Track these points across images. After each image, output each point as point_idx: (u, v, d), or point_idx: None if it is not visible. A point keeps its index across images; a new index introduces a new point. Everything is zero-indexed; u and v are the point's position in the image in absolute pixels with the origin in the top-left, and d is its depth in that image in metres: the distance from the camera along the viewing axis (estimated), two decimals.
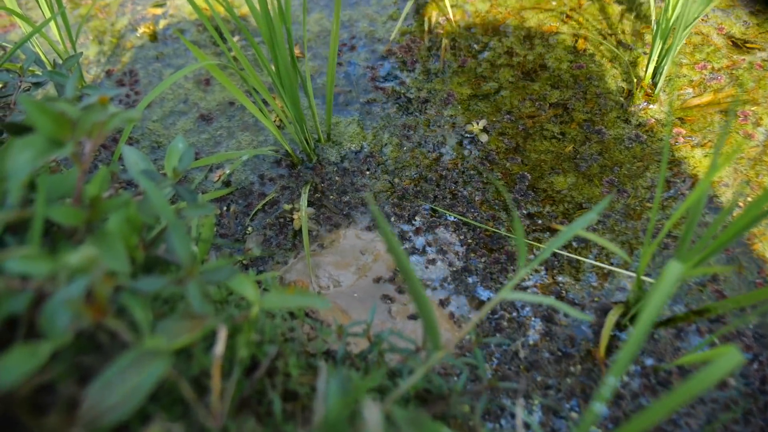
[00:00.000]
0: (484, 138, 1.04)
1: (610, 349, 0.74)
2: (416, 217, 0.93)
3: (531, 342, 0.76)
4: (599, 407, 0.40)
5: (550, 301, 0.49)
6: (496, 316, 0.80)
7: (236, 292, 0.45)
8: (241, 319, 0.45)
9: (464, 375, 0.51)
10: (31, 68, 0.85)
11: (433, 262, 0.87)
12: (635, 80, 1.08)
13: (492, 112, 1.09)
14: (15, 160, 0.36)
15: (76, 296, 0.33)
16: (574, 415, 0.69)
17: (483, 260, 0.87)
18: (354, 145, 1.05)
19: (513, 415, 0.70)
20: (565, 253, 0.86)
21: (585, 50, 1.18)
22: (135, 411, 0.33)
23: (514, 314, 0.80)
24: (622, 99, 1.08)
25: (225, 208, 0.97)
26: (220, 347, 0.37)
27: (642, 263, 0.70)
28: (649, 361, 0.73)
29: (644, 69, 1.10)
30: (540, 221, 0.90)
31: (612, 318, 0.72)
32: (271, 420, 0.41)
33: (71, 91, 0.54)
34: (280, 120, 1.02)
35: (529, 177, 0.97)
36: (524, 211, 0.92)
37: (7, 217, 0.37)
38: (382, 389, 0.49)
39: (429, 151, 1.04)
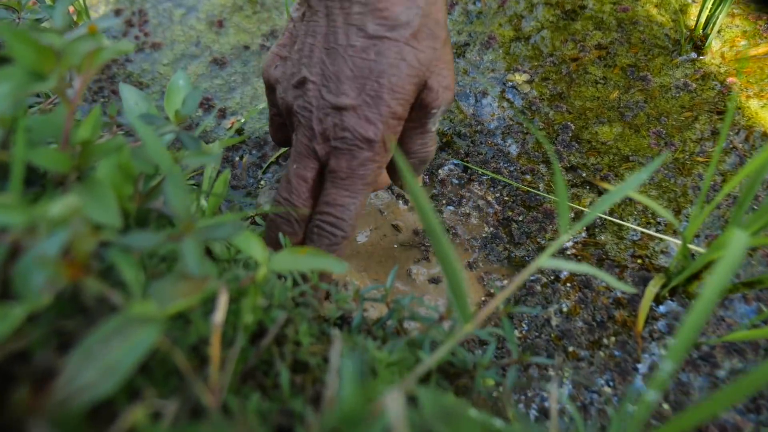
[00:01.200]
0: (526, 88, 0.96)
1: (648, 322, 0.69)
2: (444, 174, 0.87)
3: (565, 309, 0.72)
4: (654, 396, 0.35)
5: (591, 270, 0.44)
6: (531, 279, 0.75)
7: (243, 251, 0.40)
8: (247, 281, 0.41)
9: (491, 347, 0.47)
10: (29, 4, 0.80)
11: (467, 216, 0.82)
12: (684, 29, 0.98)
13: (534, 56, 1.01)
14: None
15: (52, 252, 0.29)
16: (607, 389, 0.65)
17: (520, 218, 0.81)
18: None
19: (542, 388, 0.66)
20: (606, 216, 0.80)
21: None
22: (120, 385, 0.29)
23: (552, 277, 0.75)
24: (669, 45, 0.98)
25: (238, 158, 0.93)
26: (220, 314, 0.33)
27: (690, 229, 0.63)
28: None
29: (695, 18, 1.00)
30: (584, 174, 0.84)
31: (652, 290, 0.66)
32: (278, 393, 0.37)
33: (60, 20, 0.49)
34: None
35: (573, 127, 0.89)
36: (567, 164, 0.85)
37: None
38: (401, 362, 0.45)
39: (467, 105, 0.96)
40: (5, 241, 0.31)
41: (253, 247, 0.41)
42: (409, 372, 0.46)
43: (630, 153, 0.85)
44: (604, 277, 0.44)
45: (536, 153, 0.88)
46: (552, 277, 0.75)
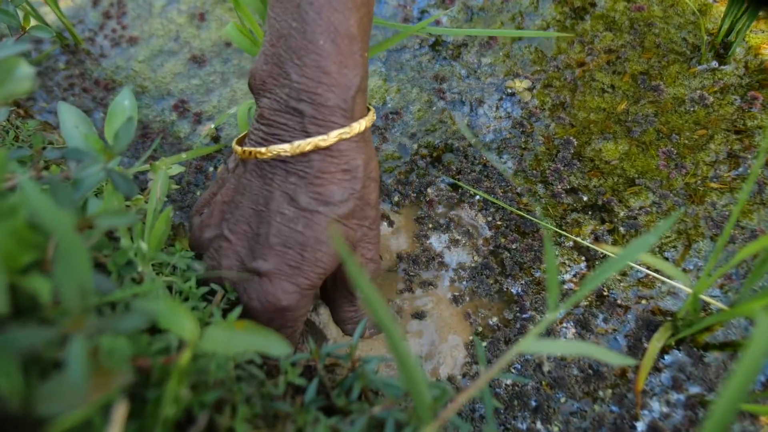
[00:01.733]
0: (527, 97, 0.89)
1: (650, 372, 0.63)
2: (431, 192, 0.81)
3: (559, 354, 0.65)
4: None
5: (586, 350, 0.37)
6: (524, 317, 0.69)
7: (164, 326, 0.34)
8: (171, 360, 0.35)
9: (466, 431, 0.41)
10: None
11: (455, 243, 0.76)
12: (705, 36, 0.89)
13: (537, 60, 0.93)
14: None
15: None
16: None
17: (514, 246, 0.74)
18: (375, 101, 0.91)
19: None
20: (607, 251, 0.73)
21: None
22: None
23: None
24: (687, 51, 0.90)
25: (212, 168, 0.86)
26: None
27: (702, 284, 0.56)
28: (695, 389, 0.61)
29: (716, 20, 0.91)
30: (585, 197, 0.77)
31: (656, 345, 0.59)
32: None
33: None
34: None
35: (575, 142, 0.82)
36: (566, 186, 0.78)
37: None
38: None
39: (461, 115, 0.89)
40: None
41: (180, 322, 0.35)
42: None
43: (636, 175, 0.77)
44: (601, 357, 0.38)
45: (534, 171, 0.81)
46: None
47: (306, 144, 0.50)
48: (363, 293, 0.28)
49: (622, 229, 0.74)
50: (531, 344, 0.36)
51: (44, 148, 0.46)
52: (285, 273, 0.53)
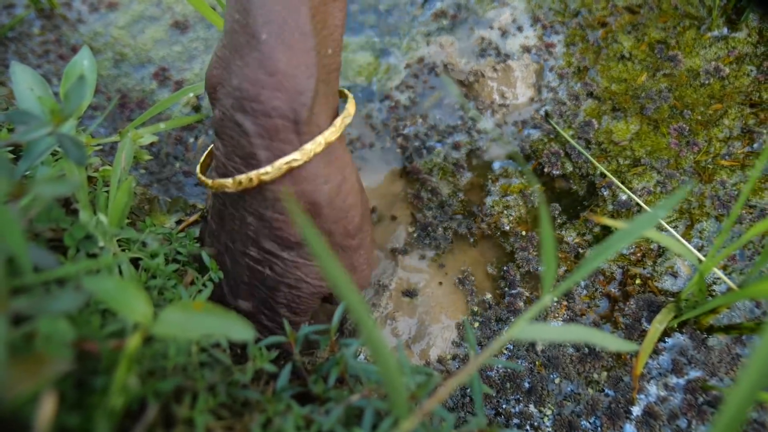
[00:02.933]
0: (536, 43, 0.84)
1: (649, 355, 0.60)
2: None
3: (553, 339, 0.62)
4: None
5: (583, 335, 0.34)
6: (512, 293, 0.66)
7: (112, 307, 0.31)
8: (120, 345, 0.32)
9: (451, 421, 0.38)
10: None
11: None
12: (718, 0, 0.84)
13: (560, 11, 0.88)
14: None
15: None
16: None
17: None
18: (361, 79, 0.87)
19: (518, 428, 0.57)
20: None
21: None
22: None
23: (536, 294, 0.65)
24: (703, 15, 0.85)
25: (192, 139, 0.82)
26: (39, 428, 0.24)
27: (708, 264, 0.53)
28: (696, 373, 0.58)
29: None
30: (575, 187, 0.73)
31: (658, 327, 0.56)
32: None
33: None
34: None
35: (595, 125, 0.77)
36: (558, 171, 0.74)
37: None
38: None
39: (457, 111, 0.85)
40: None
41: (130, 303, 0.32)
42: None
43: (643, 154, 0.73)
44: (600, 342, 0.35)
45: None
46: (536, 294, 0.65)
47: (246, 179, 0.42)
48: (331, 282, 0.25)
49: (622, 198, 0.70)
50: (522, 330, 0.33)
51: None
52: (264, 314, 0.50)
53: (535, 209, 0.72)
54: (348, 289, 0.25)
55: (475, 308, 0.66)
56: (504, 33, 0.88)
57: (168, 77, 0.89)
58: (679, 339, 0.60)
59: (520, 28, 0.89)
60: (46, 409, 0.23)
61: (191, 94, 0.83)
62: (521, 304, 0.65)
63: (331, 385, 0.41)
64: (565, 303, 0.65)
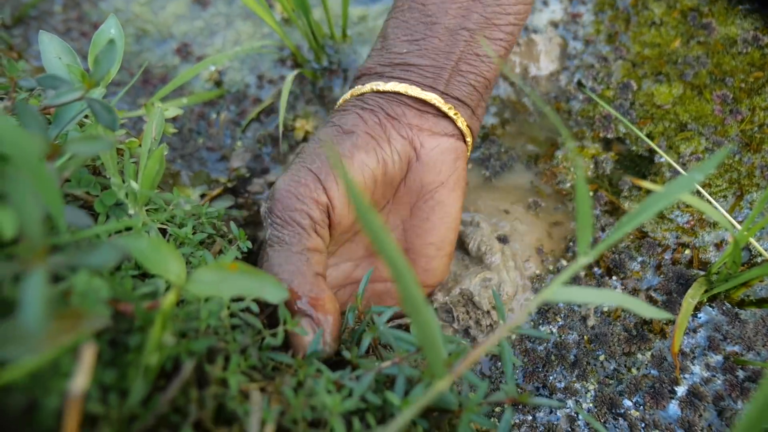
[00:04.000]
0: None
1: (686, 334, 0.59)
2: None
3: (606, 308, 0.63)
4: None
5: (617, 299, 0.34)
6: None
7: (147, 268, 0.32)
8: (156, 306, 0.33)
9: (482, 389, 0.38)
10: None
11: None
12: None
13: None
14: None
15: None
16: (634, 413, 0.56)
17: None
18: None
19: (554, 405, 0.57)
20: (648, 186, 0.69)
21: None
22: None
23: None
24: None
25: (214, 115, 0.83)
26: (80, 381, 0.25)
27: (745, 231, 0.51)
28: (732, 348, 0.58)
29: None
30: (634, 148, 0.72)
31: (690, 302, 0.56)
32: None
33: None
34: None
35: (634, 86, 0.76)
36: (612, 135, 0.73)
37: None
38: (367, 406, 0.37)
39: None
40: None
41: (164, 260, 0.33)
42: (375, 413, 0.38)
43: (689, 119, 0.72)
44: (633, 306, 0.35)
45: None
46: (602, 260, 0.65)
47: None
48: (370, 232, 0.25)
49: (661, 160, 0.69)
50: (555, 292, 0.33)
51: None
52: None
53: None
54: (388, 243, 0.25)
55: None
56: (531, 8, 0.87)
57: (190, 52, 0.90)
58: (712, 314, 0.59)
59: (545, 2, 0.87)
60: (86, 358, 0.24)
61: (212, 68, 0.83)
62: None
63: (363, 352, 0.42)
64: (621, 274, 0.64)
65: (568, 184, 0.72)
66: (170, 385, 0.30)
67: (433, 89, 0.55)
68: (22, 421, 0.27)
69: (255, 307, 0.39)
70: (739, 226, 0.52)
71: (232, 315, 0.39)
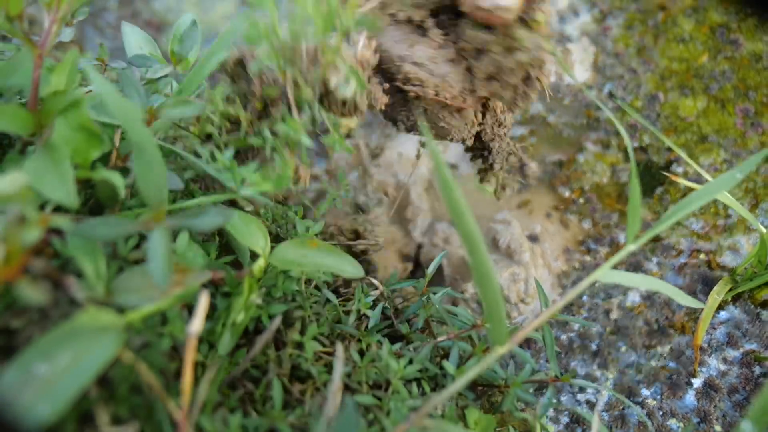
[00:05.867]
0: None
1: (707, 331, 0.61)
2: None
3: (629, 304, 0.65)
4: None
5: (658, 285, 0.36)
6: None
7: (237, 239, 0.34)
8: (243, 275, 0.35)
9: (528, 367, 0.40)
10: None
11: None
12: None
13: None
14: None
15: None
16: (651, 402, 0.58)
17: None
18: None
19: (579, 390, 0.59)
20: (686, 183, 0.71)
21: None
22: (66, 409, 0.24)
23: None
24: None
25: None
26: (197, 322, 0.27)
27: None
28: (750, 346, 0.59)
29: None
30: (655, 158, 0.74)
31: (716, 298, 0.58)
32: (269, 408, 0.32)
33: None
34: None
35: (661, 98, 0.78)
36: (636, 143, 0.76)
37: None
38: (423, 369, 0.39)
39: None
40: None
41: (252, 234, 0.35)
42: (430, 381, 0.41)
43: (711, 132, 0.74)
44: (669, 292, 0.37)
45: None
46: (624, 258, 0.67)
47: None
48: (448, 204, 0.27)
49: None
50: (606, 274, 0.35)
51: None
52: None
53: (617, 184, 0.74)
54: (465, 216, 0.27)
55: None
56: (562, 17, 0.89)
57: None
58: (734, 313, 0.61)
59: (576, 12, 0.90)
60: (202, 305, 0.27)
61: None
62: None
63: (418, 328, 0.44)
64: None
65: (587, 186, 0.74)
66: (256, 341, 0.33)
67: None
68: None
69: (328, 278, 0.41)
70: (764, 229, 0.54)
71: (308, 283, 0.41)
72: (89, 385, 0.24)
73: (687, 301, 0.38)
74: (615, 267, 0.66)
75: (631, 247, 0.35)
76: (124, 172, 0.35)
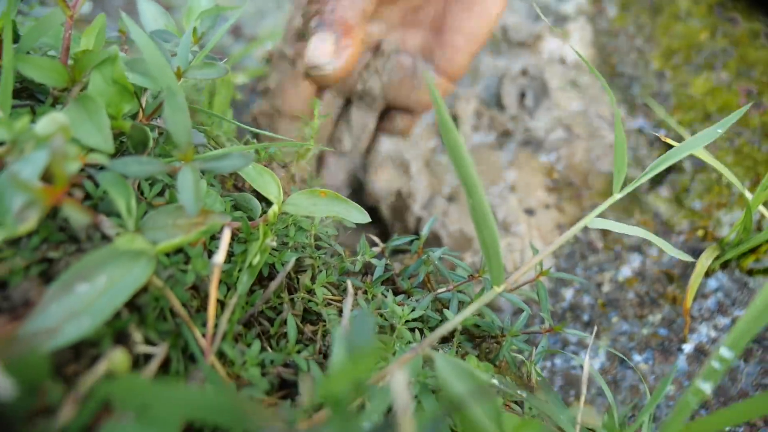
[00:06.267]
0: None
1: (696, 298, 0.64)
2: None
3: (620, 278, 0.67)
4: (706, 387, 0.30)
5: (644, 233, 0.39)
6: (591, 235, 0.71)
7: (253, 186, 0.37)
8: (257, 223, 0.37)
9: (524, 315, 0.43)
10: None
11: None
12: None
13: None
14: None
15: (31, 173, 0.26)
16: (643, 366, 0.60)
17: None
18: None
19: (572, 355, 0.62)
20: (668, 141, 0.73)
21: None
22: (102, 326, 0.26)
23: (619, 234, 0.69)
24: None
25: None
26: (221, 255, 0.30)
27: (759, 197, 0.56)
28: (739, 313, 0.62)
29: None
30: (661, 131, 0.77)
31: (704, 262, 0.60)
32: (283, 345, 0.34)
33: None
34: None
35: (668, 75, 0.81)
36: (639, 122, 0.78)
37: None
38: (423, 319, 0.42)
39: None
40: None
41: (266, 183, 0.38)
42: (431, 331, 0.43)
43: (715, 110, 0.76)
44: (658, 242, 0.39)
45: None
46: (619, 235, 0.69)
47: None
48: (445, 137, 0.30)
49: (686, 163, 0.73)
50: (593, 221, 0.37)
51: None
52: None
53: None
54: (464, 158, 0.29)
55: None
56: None
57: (242, 33, 0.95)
58: (722, 280, 0.64)
59: None
60: (225, 239, 0.29)
61: (269, 47, 0.89)
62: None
63: (417, 284, 0.46)
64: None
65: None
66: (273, 281, 0.35)
67: None
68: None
69: (333, 231, 0.43)
70: (750, 195, 0.56)
71: (317, 238, 0.44)
72: (126, 303, 0.27)
73: (674, 252, 0.40)
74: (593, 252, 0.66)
75: (617, 196, 0.38)
76: (150, 128, 0.38)
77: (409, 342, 0.38)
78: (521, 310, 0.64)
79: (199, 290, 0.34)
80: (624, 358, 0.52)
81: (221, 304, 0.34)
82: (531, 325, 0.65)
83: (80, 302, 0.25)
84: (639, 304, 0.64)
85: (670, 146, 0.41)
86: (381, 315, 0.39)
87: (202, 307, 0.34)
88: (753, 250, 0.63)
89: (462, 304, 0.44)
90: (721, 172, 0.52)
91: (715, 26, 0.83)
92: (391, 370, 0.29)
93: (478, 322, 0.43)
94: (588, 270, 0.69)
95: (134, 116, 0.37)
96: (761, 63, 0.78)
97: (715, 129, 0.38)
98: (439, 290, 0.43)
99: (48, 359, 0.21)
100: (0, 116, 0.31)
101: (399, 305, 0.43)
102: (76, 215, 0.25)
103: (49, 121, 0.28)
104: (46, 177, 0.26)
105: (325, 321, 0.37)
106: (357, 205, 0.38)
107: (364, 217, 0.37)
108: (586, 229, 0.73)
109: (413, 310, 0.40)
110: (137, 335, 0.27)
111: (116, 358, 0.24)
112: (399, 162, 0.76)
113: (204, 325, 0.31)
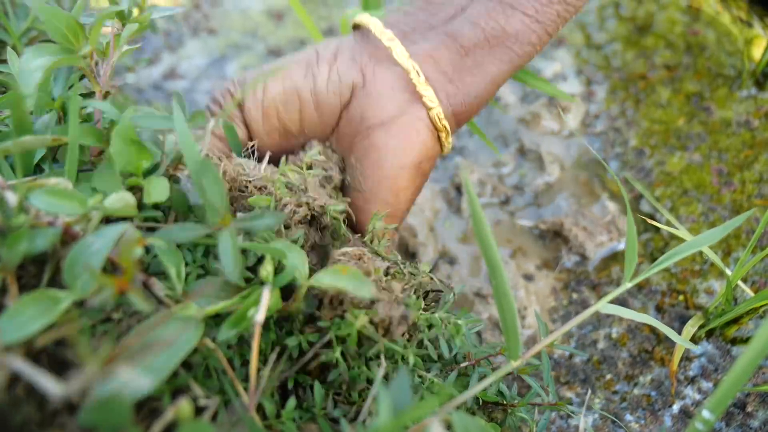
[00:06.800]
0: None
1: (682, 362, 0.66)
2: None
3: (615, 335, 0.70)
4: None
5: (651, 320, 0.41)
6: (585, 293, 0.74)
7: (276, 257, 0.39)
8: (289, 305, 0.39)
9: (533, 390, 0.45)
10: None
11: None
12: (747, 62, 0.94)
13: (604, 66, 0.99)
14: (26, 64, 0.31)
15: (100, 259, 0.28)
16: (635, 426, 0.62)
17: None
18: None
19: (570, 416, 0.63)
20: (679, 233, 0.76)
21: (700, 14, 1.03)
22: (162, 383, 0.28)
23: None
24: (733, 76, 0.94)
25: None
26: (261, 314, 0.32)
27: (737, 273, 0.60)
28: (723, 378, 0.64)
29: (762, 50, 0.95)
30: (645, 209, 0.81)
31: (689, 330, 0.64)
32: (314, 407, 0.36)
33: None
34: None
35: (647, 153, 0.86)
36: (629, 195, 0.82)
37: (36, 143, 0.32)
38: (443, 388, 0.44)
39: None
40: (58, 224, 0.31)
41: (294, 259, 0.40)
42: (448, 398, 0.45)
43: (691, 187, 0.82)
44: (666, 331, 0.42)
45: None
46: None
47: None
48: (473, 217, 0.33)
49: (665, 234, 0.77)
50: (605, 306, 0.40)
51: None
52: None
53: None
54: (491, 246, 0.32)
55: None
56: (552, 81, 0.98)
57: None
58: (707, 347, 0.67)
59: (565, 78, 0.99)
60: (265, 299, 0.31)
61: None
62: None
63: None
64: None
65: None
66: (304, 356, 0.37)
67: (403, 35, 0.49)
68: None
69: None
70: (729, 272, 0.60)
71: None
72: (181, 362, 0.29)
73: (676, 338, 0.42)
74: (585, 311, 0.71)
75: (628, 285, 0.40)
76: (175, 180, 0.40)
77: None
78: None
79: (241, 343, 0.36)
80: (615, 419, 0.54)
81: (263, 356, 0.36)
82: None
83: (145, 364, 0.27)
84: (631, 364, 0.67)
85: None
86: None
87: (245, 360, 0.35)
88: (735, 320, 0.66)
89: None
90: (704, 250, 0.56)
91: (692, 114, 0.90)
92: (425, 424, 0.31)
93: (488, 392, 0.45)
94: (583, 328, 0.71)
95: (153, 169, 0.38)
96: (732, 148, 0.85)
97: (720, 230, 0.41)
98: (462, 364, 0.46)
99: (130, 407, 0.23)
100: (69, 188, 0.33)
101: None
102: (141, 303, 0.27)
103: (118, 199, 0.31)
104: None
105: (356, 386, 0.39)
106: (369, 281, 0.39)
107: (367, 292, 0.39)
108: (581, 287, 0.75)
109: (445, 383, 0.42)
110: (198, 390, 0.29)
111: (183, 407, 0.25)
112: (407, 229, 0.80)
113: (245, 379, 0.33)
